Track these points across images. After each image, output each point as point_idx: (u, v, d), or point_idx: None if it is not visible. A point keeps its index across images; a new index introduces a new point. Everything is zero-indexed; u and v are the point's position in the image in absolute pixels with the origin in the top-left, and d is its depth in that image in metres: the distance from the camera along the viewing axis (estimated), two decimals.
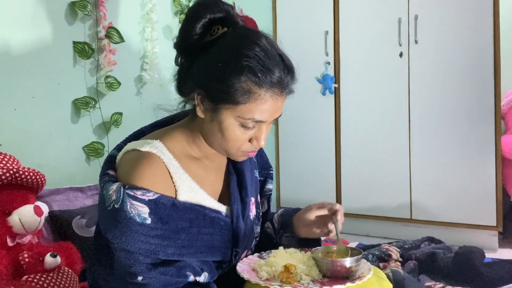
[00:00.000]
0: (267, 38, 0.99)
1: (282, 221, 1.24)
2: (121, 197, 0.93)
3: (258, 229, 1.22)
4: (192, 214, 1.00)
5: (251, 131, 1.01)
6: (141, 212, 0.93)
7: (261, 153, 1.29)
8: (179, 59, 1.06)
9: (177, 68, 1.07)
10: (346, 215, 3.25)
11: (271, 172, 1.31)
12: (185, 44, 1.01)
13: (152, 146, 1.01)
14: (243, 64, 0.94)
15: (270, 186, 1.29)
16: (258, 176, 1.26)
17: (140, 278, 0.95)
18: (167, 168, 1.00)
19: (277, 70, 0.97)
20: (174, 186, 1.01)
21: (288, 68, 1.00)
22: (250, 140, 1.02)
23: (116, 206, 0.93)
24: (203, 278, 1.03)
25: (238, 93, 0.95)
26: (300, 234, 1.20)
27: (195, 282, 1.02)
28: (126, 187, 0.94)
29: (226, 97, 0.96)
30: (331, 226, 1.15)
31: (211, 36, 1.01)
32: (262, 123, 1.01)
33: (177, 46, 1.03)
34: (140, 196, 0.93)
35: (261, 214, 1.24)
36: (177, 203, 0.98)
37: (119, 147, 1.09)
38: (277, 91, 0.98)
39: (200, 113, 1.02)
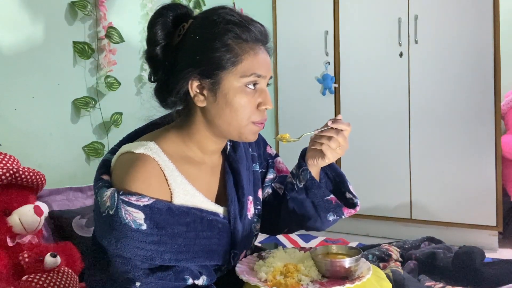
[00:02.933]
0: (230, 7, 1.04)
1: (298, 161, 1.21)
2: (115, 203, 0.91)
3: (258, 226, 1.20)
4: (189, 218, 0.99)
5: (255, 95, 1.02)
6: (136, 218, 0.91)
7: (258, 143, 1.28)
8: (153, 76, 1.06)
9: (153, 85, 1.07)
10: None
11: (271, 161, 1.29)
12: (160, 47, 1.02)
13: (146, 148, 0.99)
14: (222, 26, 0.99)
15: (271, 176, 1.28)
16: (258, 169, 1.24)
17: (138, 284, 0.94)
18: (162, 170, 0.98)
19: (253, 24, 1.02)
20: (170, 189, 0.99)
21: (260, 23, 1.04)
22: (257, 107, 1.03)
23: (110, 212, 0.91)
24: (201, 281, 1.02)
25: (231, 53, 0.98)
26: (308, 160, 1.17)
27: (194, 285, 1.00)
28: (121, 192, 0.92)
29: (221, 63, 0.98)
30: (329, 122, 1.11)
31: (179, 35, 1.02)
32: (263, 81, 1.03)
33: (151, 55, 1.03)
34: (135, 202, 0.91)
35: (261, 209, 1.22)
36: (173, 208, 0.97)
37: (113, 151, 1.07)
38: (261, 44, 1.03)
39: (200, 103, 1.01)
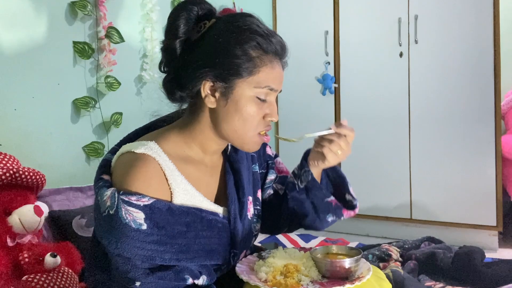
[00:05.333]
0: (256, 16, 1.05)
1: (300, 161, 1.23)
2: (115, 203, 0.91)
3: (258, 226, 1.21)
4: (188, 218, 0.99)
5: (264, 106, 1.02)
6: (137, 218, 0.91)
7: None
8: (164, 66, 1.06)
9: (163, 76, 1.07)
10: None
11: (271, 162, 1.30)
12: (180, 42, 1.02)
13: (147, 147, 0.99)
14: (247, 34, 0.99)
15: (272, 176, 1.28)
16: (258, 170, 1.25)
17: (138, 283, 0.94)
18: (162, 170, 0.99)
19: (275, 37, 1.02)
20: (170, 188, 0.99)
21: (280, 37, 1.04)
22: (263, 118, 1.03)
23: (111, 212, 0.91)
24: (201, 281, 1.02)
25: (250, 63, 0.98)
26: (310, 160, 1.18)
27: (194, 285, 1.00)
28: (121, 192, 0.92)
29: (239, 70, 0.98)
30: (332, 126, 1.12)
31: (199, 31, 1.02)
32: (273, 94, 1.04)
33: (169, 47, 1.03)
34: (135, 202, 0.92)
35: (261, 210, 1.22)
36: (173, 207, 0.97)
37: (113, 150, 1.08)
38: (279, 58, 1.03)
39: (211, 104, 1.02)
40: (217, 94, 1.01)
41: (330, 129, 1.10)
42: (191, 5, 1.02)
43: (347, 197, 1.23)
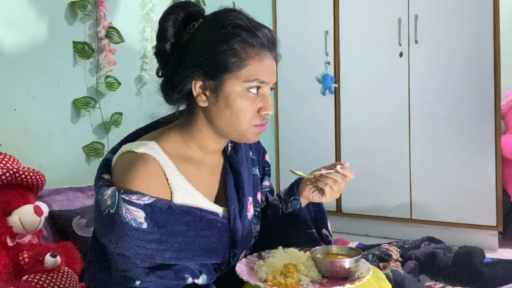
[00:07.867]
0: (239, 10, 1.05)
1: (289, 188, 1.25)
2: (116, 202, 0.92)
3: (257, 227, 1.21)
4: (188, 217, 1.00)
5: (257, 99, 1.02)
6: (137, 216, 0.92)
7: (259, 149, 1.30)
8: (160, 71, 1.08)
9: (160, 81, 1.09)
10: (346, 215, 3.22)
11: (267, 169, 1.32)
12: (170, 44, 1.03)
13: (147, 147, 1.00)
14: (230, 30, 0.99)
15: (266, 183, 1.31)
16: (258, 173, 1.26)
17: (138, 282, 0.94)
18: (162, 170, 0.99)
19: (261, 29, 1.02)
20: (170, 188, 1.00)
21: (269, 29, 1.04)
22: (258, 111, 1.03)
23: (111, 211, 0.92)
24: (201, 280, 1.02)
25: (236, 57, 0.99)
26: (303, 192, 1.20)
27: (194, 284, 1.01)
28: (121, 191, 0.93)
29: (226, 66, 0.99)
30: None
31: (189, 33, 1.04)
32: (266, 87, 1.03)
33: (160, 50, 1.04)
34: (136, 201, 0.92)
35: (260, 212, 1.24)
36: (173, 207, 0.98)
37: (114, 150, 1.08)
38: (268, 49, 1.03)
39: (202, 103, 1.02)
40: (207, 92, 1.02)
41: (334, 166, 1.13)
42: (178, 7, 1.04)
43: (324, 231, 1.26)
